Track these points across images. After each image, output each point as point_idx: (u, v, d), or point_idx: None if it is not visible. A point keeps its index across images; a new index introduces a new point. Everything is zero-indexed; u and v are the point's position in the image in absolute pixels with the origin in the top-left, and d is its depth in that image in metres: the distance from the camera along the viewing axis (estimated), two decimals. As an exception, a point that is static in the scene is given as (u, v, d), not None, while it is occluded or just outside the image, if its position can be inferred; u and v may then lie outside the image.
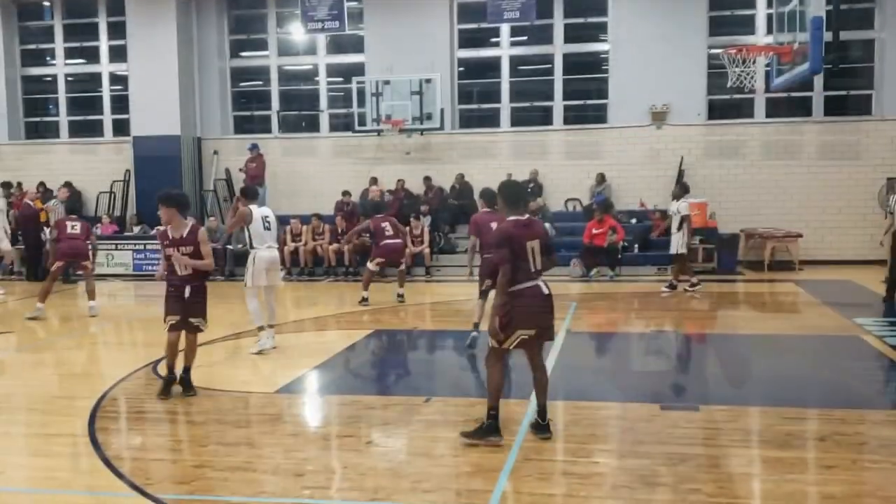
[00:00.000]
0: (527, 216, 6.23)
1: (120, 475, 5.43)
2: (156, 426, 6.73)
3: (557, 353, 9.18)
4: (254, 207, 9.34)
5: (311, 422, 7.01)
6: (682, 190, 14.17)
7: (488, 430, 6.00)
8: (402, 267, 13.70)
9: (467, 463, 5.70)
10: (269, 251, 9.24)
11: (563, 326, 10.95)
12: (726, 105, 18.53)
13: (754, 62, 12.30)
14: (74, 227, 13.01)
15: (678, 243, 13.86)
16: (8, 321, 12.69)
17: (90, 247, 13.24)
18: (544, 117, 19.40)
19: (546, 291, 6.07)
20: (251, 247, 9.25)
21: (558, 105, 19.09)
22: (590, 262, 16.35)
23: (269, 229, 9.34)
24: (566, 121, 19.07)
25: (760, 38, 17.62)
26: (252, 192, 9.83)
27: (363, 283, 13.39)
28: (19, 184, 19.65)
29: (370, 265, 13.45)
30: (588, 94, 19.31)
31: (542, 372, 6.28)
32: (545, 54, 19.17)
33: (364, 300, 13.05)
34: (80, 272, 13.81)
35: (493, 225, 8.47)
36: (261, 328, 9.36)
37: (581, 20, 19.01)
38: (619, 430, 6.51)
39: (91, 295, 13.04)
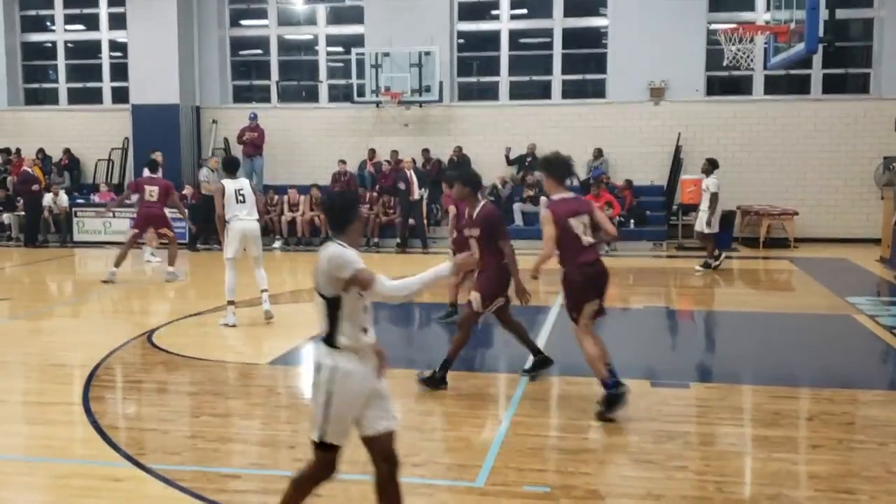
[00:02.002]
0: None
1: (114, 445, 5.50)
2: (149, 396, 6.81)
3: (550, 327, 9.25)
4: (228, 181, 9.46)
5: (303, 394, 7.08)
6: (711, 165, 13.81)
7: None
8: None
9: (458, 437, 5.78)
10: (240, 223, 9.28)
11: (557, 301, 11.01)
12: (725, 82, 18.45)
13: (752, 40, 12.23)
14: (153, 192, 12.72)
15: (705, 220, 13.63)
16: (7, 288, 12.74)
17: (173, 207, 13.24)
18: (543, 91, 19.33)
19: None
20: (226, 220, 9.33)
21: (557, 79, 19.02)
22: (586, 237, 16.34)
23: (242, 202, 9.42)
24: (565, 95, 19.00)
25: (760, 14, 17.50)
26: (231, 165, 9.96)
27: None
28: (18, 150, 19.62)
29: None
30: (587, 69, 19.23)
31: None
32: (545, 28, 19.06)
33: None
34: (163, 240, 13.53)
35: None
36: (230, 303, 9.36)
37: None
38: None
39: (171, 260, 12.97)
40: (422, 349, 9.17)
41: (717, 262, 13.74)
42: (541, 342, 8.38)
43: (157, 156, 14.43)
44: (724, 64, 12.76)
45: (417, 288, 3.93)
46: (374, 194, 17.80)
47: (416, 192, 16.76)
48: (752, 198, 17.47)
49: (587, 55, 19.25)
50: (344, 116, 19.34)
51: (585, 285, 6.19)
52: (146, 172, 13.42)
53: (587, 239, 6.19)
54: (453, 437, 5.79)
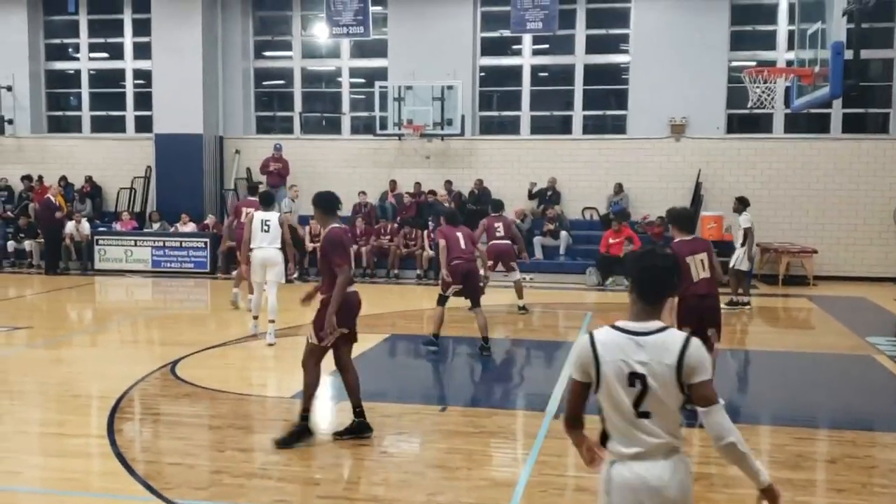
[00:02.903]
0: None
1: (140, 479, 5.51)
2: (173, 429, 6.82)
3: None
4: (258, 212, 10.36)
5: (328, 428, 7.08)
6: (741, 204, 13.82)
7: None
8: (516, 274, 13.00)
9: (482, 476, 5.77)
10: (261, 251, 10.13)
11: (577, 336, 11.00)
12: (745, 119, 18.50)
13: (775, 81, 12.26)
14: (249, 212, 12.68)
15: (739, 258, 13.57)
16: (27, 316, 12.84)
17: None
18: (564, 126, 19.44)
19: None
20: (250, 247, 10.22)
21: (578, 114, 19.14)
22: (606, 272, 16.38)
23: (266, 231, 10.22)
24: (585, 130, 19.11)
25: (782, 53, 17.60)
26: (266, 199, 10.76)
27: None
28: (40, 177, 19.84)
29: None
30: (607, 104, 19.35)
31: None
32: (566, 64, 19.21)
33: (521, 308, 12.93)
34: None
35: (458, 234, 9.85)
36: (255, 317, 10.50)
37: (603, 31, 19.05)
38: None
39: (236, 282, 13.11)
40: (436, 384, 9.15)
41: (748, 301, 13.69)
42: (564, 379, 8.38)
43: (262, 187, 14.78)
44: (749, 106, 12.78)
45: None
46: (395, 226, 17.86)
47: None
48: (772, 235, 17.44)
49: (608, 91, 19.37)
50: (365, 148, 19.50)
51: (690, 314, 6.96)
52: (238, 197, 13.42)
53: (701, 274, 7.15)
54: (478, 477, 5.77)
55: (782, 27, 17.91)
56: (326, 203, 6.61)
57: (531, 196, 18.42)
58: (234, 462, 5.90)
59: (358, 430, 6.43)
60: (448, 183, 18.60)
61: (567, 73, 19.24)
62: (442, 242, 9.88)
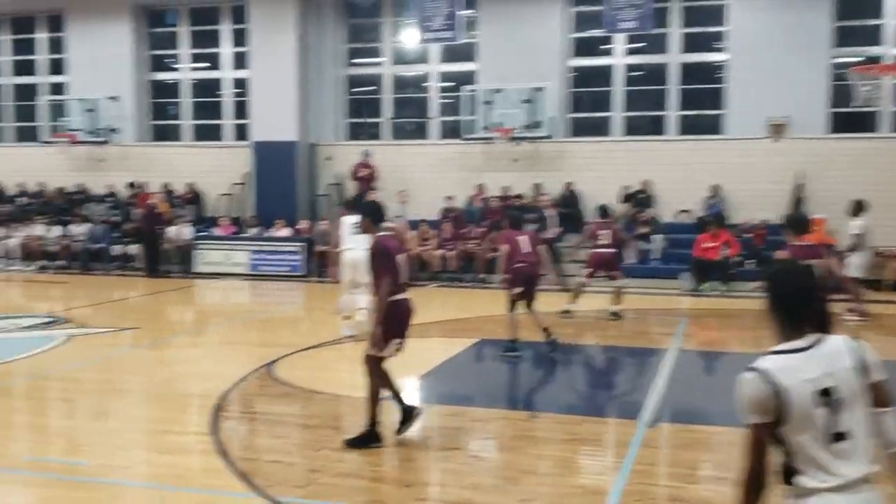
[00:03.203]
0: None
1: (242, 476, 5.66)
2: (271, 428, 6.99)
3: (668, 371, 9.06)
4: (350, 215, 10.62)
5: (417, 432, 7.13)
6: (858, 207, 13.32)
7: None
8: (619, 280, 12.88)
9: (574, 484, 5.71)
10: (351, 253, 10.36)
11: (672, 343, 10.80)
12: (849, 118, 17.78)
13: (882, 78, 11.77)
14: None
15: (856, 265, 13.05)
16: (133, 317, 13.36)
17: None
18: (657, 126, 19.11)
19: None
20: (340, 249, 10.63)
21: (672, 114, 18.78)
22: (700, 276, 16.01)
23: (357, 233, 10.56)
24: (680, 130, 18.74)
25: (889, 49, 16.87)
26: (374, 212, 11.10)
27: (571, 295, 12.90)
28: (144, 184, 20.58)
29: (581, 277, 12.95)
30: (703, 104, 18.91)
31: None
32: (660, 63, 18.89)
33: (566, 312, 12.67)
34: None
35: (521, 238, 9.77)
36: (346, 317, 10.67)
37: (699, 29, 18.65)
38: (733, 456, 6.37)
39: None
40: (525, 390, 9.11)
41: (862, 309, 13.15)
42: (657, 387, 8.25)
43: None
44: (855, 104, 12.28)
45: None
46: (483, 230, 17.86)
47: (553, 231, 16.70)
48: (879, 239, 16.69)
49: (703, 90, 18.94)
50: (453, 152, 19.57)
51: None
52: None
53: None
54: (569, 484, 5.72)
55: (890, 22, 17.17)
56: (373, 213, 6.75)
57: (623, 199, 18.15)
58: (329, 461, 6.00)
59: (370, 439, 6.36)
60: (537, 186, 18.51)
61: (660, 72, 18.90)
62: (504, 248, 9.93)
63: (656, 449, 6.67)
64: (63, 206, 20.92)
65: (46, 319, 12.58)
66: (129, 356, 10.25)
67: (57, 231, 19.89)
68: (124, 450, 6.43)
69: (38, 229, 19.88)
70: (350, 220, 10.54)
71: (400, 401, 6.55)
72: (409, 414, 6.52)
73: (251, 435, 6.92)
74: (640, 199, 17.94)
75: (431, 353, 10.41)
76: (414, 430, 6.57)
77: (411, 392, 8.38)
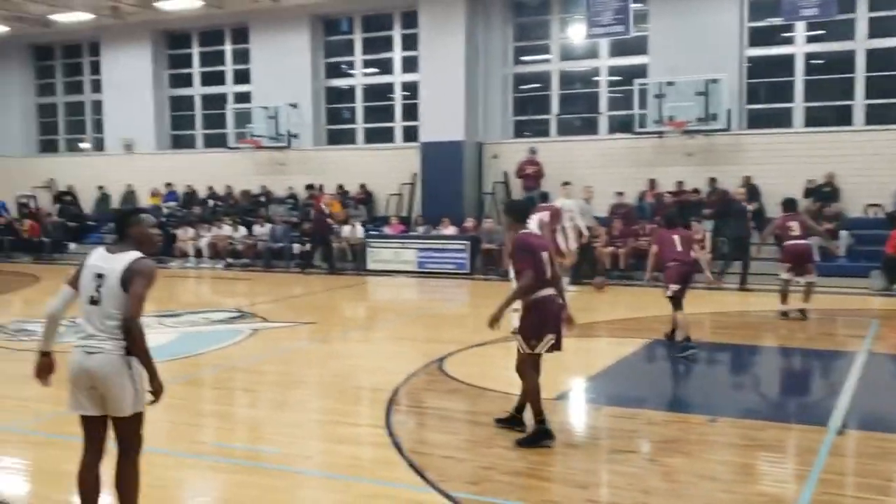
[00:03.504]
0: None
1: (416, 470, 5.77)
2: (443, 423, 7.09)
3: (858, 375, 8.50)
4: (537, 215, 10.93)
5: (590, 432, 7.01)
6: None
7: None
8: (811, 276, 12.29)
9: (758, 492, 5.44)
10: None
11: (862, 346, 10.11)
12: None
13: None
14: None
15: None
16: (310, 312, 13.96)
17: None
18: (841, 117, 17.95)
19: None
20: None
21: (859, 103, 17.57)
22: (893, 274, 14.90)
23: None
24: (868, 120, 17.51)
25: None
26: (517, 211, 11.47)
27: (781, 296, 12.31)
28: (321, 186, 21.47)
29: (783, 274, 12.34)
30: (892, 93, 17.56)
31: None
32: (844, 50, 17.71)
33: (784, 314, 12.22)
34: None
35: (675, 237, 9.73)
36: (515, 310, 10.54)
37: (888, 13, 17.33)
38: (933, 471, 5.88)
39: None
40: (703, 393, 8.77)
41: None
42: (846, 392, 7.76)
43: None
44: None
45: None
46: (655, 226, 17.38)
47: (749, 226, 16.03)
48: None
49: (892, 77, 17.57)
50: (622, 147, 19.19)
51: None
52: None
53: None
54: (752, 492, 5.44)
55: None
56: (517, 212, 6.81)
57: (805, 193, 17.16)
58: (502, 459, 6.01)
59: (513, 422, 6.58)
60: (712, 181, 17.85)
61: (845, 60, 17.73)
62: (654, 248, 10.02)
63: (846, 458, 6.26)
64: (248, 207, 22.20)
65: (234, 314, 13.37)
66: (307, 349, 10.71)
67: (242, 231, 21.11)
68: (305, 440, 6.71)
69: (225, 229, 21.16)
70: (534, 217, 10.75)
71: (523, 409, 6.60)
72: (516, 422, 6.57)
73: (423, 429, 7.05)
74: (824, 192, 16.91)
75: (602, 353, 10.28)
76: (587, 431, 6.46)
77: (581, 393, 8.29)
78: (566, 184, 15.49)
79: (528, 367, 6.42)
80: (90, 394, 4.36)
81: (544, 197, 12.42)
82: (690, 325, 9.81)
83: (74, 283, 4.46)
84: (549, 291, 6.42)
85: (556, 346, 6.46)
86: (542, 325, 6.33)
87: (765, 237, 13.38)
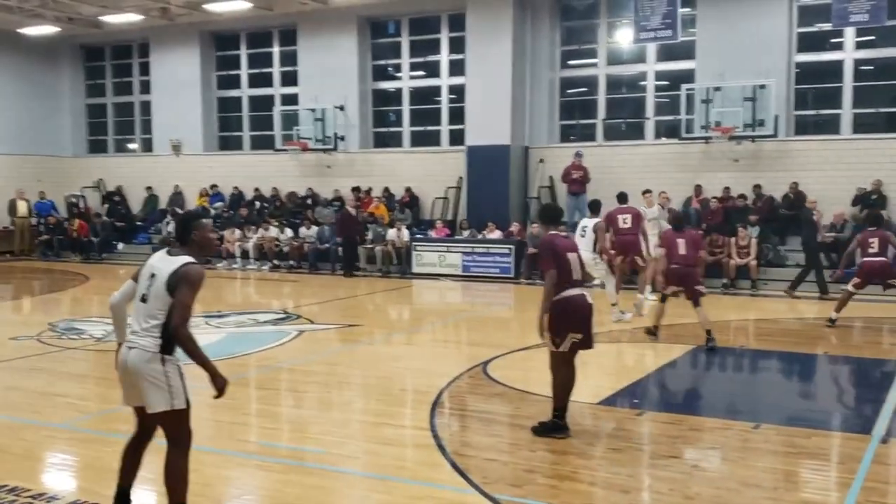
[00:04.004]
0: None
1: (461, 472, 5.87)
2: (487, 426, 7.18)
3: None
4: (585, 218, 12.58)
5: (633, 438, 7.05)
6: None
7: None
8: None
9: (801, 500, 5.46)
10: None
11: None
12: None
13: None
14: (626, 220, 13.00)
15: None
16: (355, 314, 14.15)
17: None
18: (891, 123, 17.69)
19: None
20: None
21: (911, 109, 17.32)
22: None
23: (583, 236, 12.12)
24: (920, 127, 17.25)
25: None
26: (594, 207, 12.80)
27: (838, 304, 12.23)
28: (368, 189, 21.65)
29: (849, 287, 12.23)
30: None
31: None
32: (894, 57, 17.45)
33: (831, 321, 12.11)
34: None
35: (680, 240, 10.24)
36: (612, 304, 12.37)
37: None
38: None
39: (640, 288, 13.40)
40: (746, 399, 8.75)
41: None
42: (891, 400, 7.70)
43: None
44: None
45: None
46: (701, 232, 17.27)
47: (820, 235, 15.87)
48: None
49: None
50: (668, 152, 19.11)
51: None
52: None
53: None
54: (797, 499, 5.47)
55: None
56: (548, 217, 7.03)
57: (853, 201, 16.94)
58: (545, 463, 6.10)
59: (554, 429, 6.67)
60: (758, 187, 17.71)
61: (895, 66, 17.45)
62: (661, 251, 10.86)
63: (890, 466, 6.26)
64: (294, 209, 22.50)
65: (280, 315, 13.62)
66: (352, 351, 10.88)
67: (288, 233, 21.41)
68: (351, 440, 6.86)
69: (271, 231, 21.48)
70: (582, 223, 12.35)
71: (560, 402, 6.80)
72: (556, 427, 6.68)
73: (467, 432, 7.16)
74: (872, 200, 16.67)
75: (645, 358, 10.30)
76: (630, 436, 6.50)
77: (625, 398, 8.32)
78: (647, 192, 15.43)
79: (556, 364, 6.71)
80: (130, 387, 4.59)
81: (595, 204, 12.72)
82: (662, 316, 10.55)
83: (136, 277, 4.69)
84: (575, 291, 6.63)
85: (584, 345, 6.69)
86: (566, 323, 6.56)
87: (849, 253, 12.79)
